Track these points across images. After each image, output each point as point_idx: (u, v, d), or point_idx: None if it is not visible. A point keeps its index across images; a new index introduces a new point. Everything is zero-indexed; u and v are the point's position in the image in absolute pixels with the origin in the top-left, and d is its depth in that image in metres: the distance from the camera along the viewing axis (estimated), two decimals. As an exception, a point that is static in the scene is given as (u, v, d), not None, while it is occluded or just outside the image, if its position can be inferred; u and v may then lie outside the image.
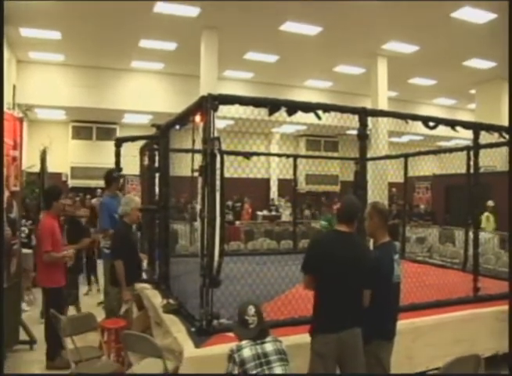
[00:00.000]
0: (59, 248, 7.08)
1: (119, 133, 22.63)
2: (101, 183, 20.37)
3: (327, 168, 17.08)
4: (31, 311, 9.63)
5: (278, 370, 3.71)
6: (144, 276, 8.17)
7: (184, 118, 6.88)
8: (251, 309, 3.98)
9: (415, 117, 7.27)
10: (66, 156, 21.52)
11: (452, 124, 7.58)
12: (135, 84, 19.29)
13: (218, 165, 5.42)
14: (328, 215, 14.29)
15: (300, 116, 6.09)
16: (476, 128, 7.83)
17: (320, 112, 6.14)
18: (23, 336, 7.68)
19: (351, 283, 4.43)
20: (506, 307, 6.73)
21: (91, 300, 10.73)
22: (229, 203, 20.32)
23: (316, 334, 4.46)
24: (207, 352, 5.00)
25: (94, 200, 18.25)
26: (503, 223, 10.14)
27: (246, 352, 3.68)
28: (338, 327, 4.37)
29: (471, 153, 8.44)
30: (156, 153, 8.57)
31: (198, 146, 6.09)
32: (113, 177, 8.93)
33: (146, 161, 9.68)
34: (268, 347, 3.79)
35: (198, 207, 6.46)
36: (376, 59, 17.27)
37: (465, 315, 6.81)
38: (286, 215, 22.03)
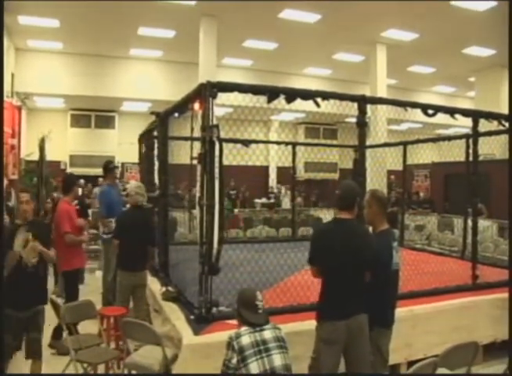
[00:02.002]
0: (77, 232, 7.19)
1: (118, 121, 22.61)
2: (100, 171, 20.52)
3: (326, 156, 17.05)
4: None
5: (277, 357, 3.71)
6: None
7: (183, 106, 6.87)
8: (259, 295, 3.99)
9: (414, 105, 7.27)
10: (65, 144, 21.44)
11: (451, 111, 7.57)
12: (134, 71, 19.22)
13: (216, 153, 5.43)
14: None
15: (299, 103, 6.08)
16: (475, 115, 7.83)
17: (319, 99, 6.14)
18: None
19: (355, 270, 4.45)
20: (504, 295, 6.75)
21: (90, 288, 10.70)
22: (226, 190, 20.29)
23: (324, 321, 4.47)
24: (205, 340, 5.02)
25: (96, 189, 18.29)
26: (502, 211, 10.13)
27: (245, 340, 3.68)
28: (346, 314, 4.39)
29: (470, 141, 8.44)
30: (155, 141, 8.58)
31: (197, 133, 6.08)
32: (109, 168, 9.06)
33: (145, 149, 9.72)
34: (267, 334, 3.79)
35: (197, 194, 6.46)
36: (375, 46, 17.20)
37: (464, 302, 6.84)
38: (285, 202, 22.01)
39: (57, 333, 7.04)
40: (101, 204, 8.95)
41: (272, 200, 22.94)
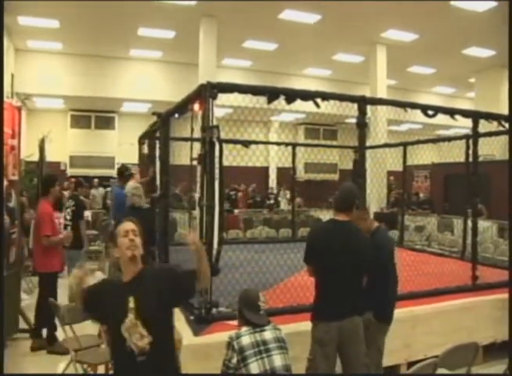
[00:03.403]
0: (56, 234, 7.25)
1: (118, 122, 22.60)
2: (100, 172, 20.53)
3: (326, 157, 17.09)
4: (30, 299, 9.61)
5: (277, 358, 3.71)
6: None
7: (183, 107, 6.88)
8: (262, 296, 4.00)
9: (414, 106, 7.28)
10: (65, 145, 21.42)
11: (451, 112, 7.58)
12: (134, 72, 19.21)
13: (216, 154, 5.43)
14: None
15: (299, 104, 6.09)
16: (475, 116, 7.84)
17: (319, 100, 6.15)
18: (22, 324, 7.70)
19: (350, 271, 4.45)
20: (504, 295, 6.76)
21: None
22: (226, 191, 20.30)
23: (318, 322, 4.48)
24: (205, 340, 5.03)
25: (93, 190, 18.28)
26: (502, 212, 10.14)
27: (245, 340, 3.68)
28: (339, 315, 4.40)
29: (470, 141, 8.45)
30: (157, 141, 8.59)
31: (197, 134, 6.09)
32: (125, 175, 9.22)
33: (145, 150, 9.72)
34: (268, 335, 3.79)
35: (197, 195, 6.48)
36: (375, 47, 17.20)
37: (463, 303, 6.85)
38: (284, 202, 21.98)
39: (50, 339, 7.05)
40: (115, 206, 8.98)
41: (272, 201, 22.81)
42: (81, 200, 10.39)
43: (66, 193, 13.48)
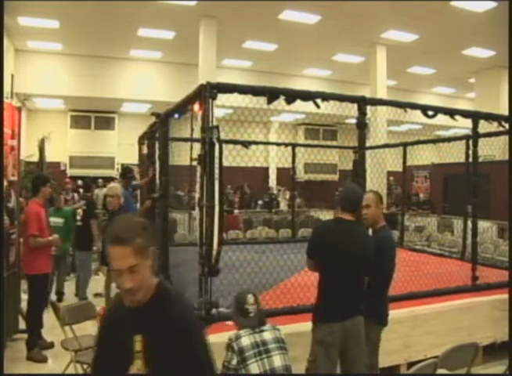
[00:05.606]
0: (45, 235, 7.09)
1: (117, 122, 22.59)
2: (100, 172, 20.52)
3: (326, 157, 17.10)
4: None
5: (277, 358, 3.70)
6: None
7: (183, 107, 6.87)
8: (251, 298, 3.97)
9: (414, 106, 7.27)
10: (65, 145, 21.41)
11: (451, 112, 7.56)
12: (134, 73, 19.22)
13: (216, 154, 5.42)
14: (65, 210, 10.33)
15: (299, 104, 6.08)
16: (475, 116, 7.83)
17: (319, 101, 6.14)
18: (22, 325, 7.68)
19: (354, 272, 4.43)
20: (504, 296, 6.75)
21: (90, 290, 10.64)
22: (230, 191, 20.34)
23: (320, 324, 4.44)
24: (205, 341, 5.01)
25: (97, 191, 18.30)
26: (502, 212, 10.13)
27: (245, 341, 3.68)
28: (342, 316, 4.38)
29: (470, 142, 8.44)
30: (156, 142, 8.60)
31: (197, 135, 6.08)
32: (128, 176, 9.32)
33: (145, 150, 9.74)
34: (267, 335, 3.79)
35: (197, 195, 6.48)
36: (375, 47, 17.21)
37: (463, 303, 6.84)
38: (284, 203, 21.99)
39: (30, 344, 7.00)
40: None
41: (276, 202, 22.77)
42: (92, 200, 10.40)
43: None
